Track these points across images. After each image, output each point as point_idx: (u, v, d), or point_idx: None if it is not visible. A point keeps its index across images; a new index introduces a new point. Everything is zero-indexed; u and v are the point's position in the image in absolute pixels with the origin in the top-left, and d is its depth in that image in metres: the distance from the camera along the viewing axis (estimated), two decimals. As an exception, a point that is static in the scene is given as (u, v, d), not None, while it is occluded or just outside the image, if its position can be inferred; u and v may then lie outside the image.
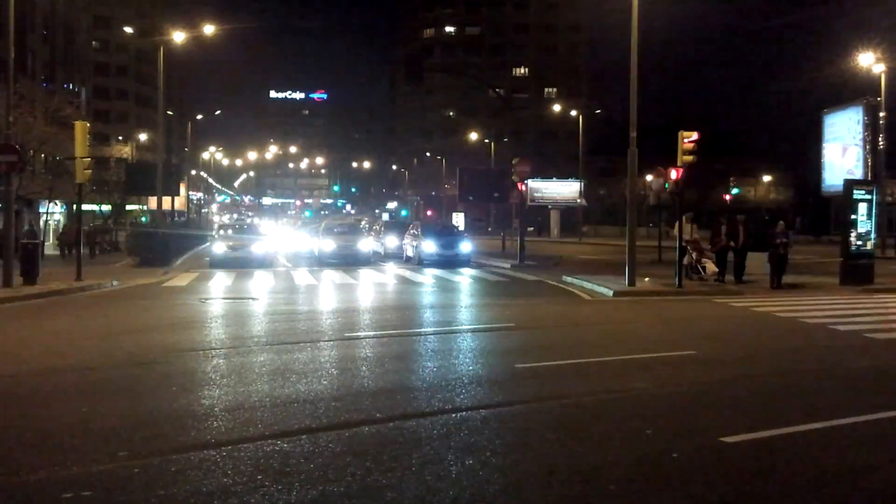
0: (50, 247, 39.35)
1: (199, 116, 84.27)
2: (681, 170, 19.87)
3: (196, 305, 16.72)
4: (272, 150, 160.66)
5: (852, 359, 10.80)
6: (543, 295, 19.65)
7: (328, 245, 32.60)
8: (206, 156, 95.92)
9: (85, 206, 36.22)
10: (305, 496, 5.33)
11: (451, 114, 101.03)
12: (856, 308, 16.81)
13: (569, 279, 22.45)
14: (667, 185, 22.98)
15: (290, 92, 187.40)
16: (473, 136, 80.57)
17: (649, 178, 33.09)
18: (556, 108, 79.13)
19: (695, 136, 19.88)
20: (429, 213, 78.77)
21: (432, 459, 6.12)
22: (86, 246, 32.27)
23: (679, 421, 7.37)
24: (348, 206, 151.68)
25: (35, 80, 42.53)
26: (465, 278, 24.38)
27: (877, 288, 20.46)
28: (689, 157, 19.76)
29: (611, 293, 19.05)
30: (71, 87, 53.13)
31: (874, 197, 21.61)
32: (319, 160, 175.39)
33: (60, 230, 41.65)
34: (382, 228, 39.47)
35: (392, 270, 27.42)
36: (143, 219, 54.99)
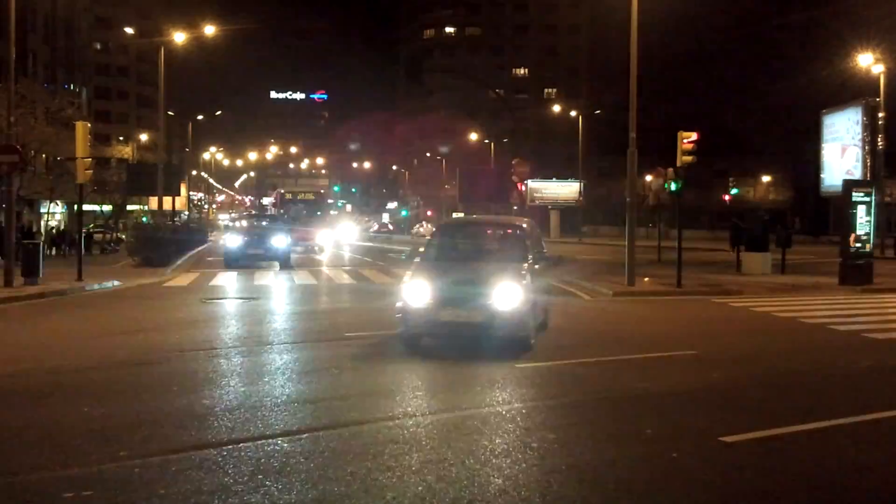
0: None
1: (200, 117, 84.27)
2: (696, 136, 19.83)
3: (197, 305, 16.74)
4: (272, 151, 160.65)
5: (851, 359, 10.81)
6: (543, 295, 19.64)
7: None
8: (206, 156, 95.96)
9: (86, 207, 36.25)
10: (306, 496, 5.35)
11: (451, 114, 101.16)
12: (855, 308, 16.82)
13: (568, 279, 22.45)
14: (666, 185, 23.00)
15: (290, 92, 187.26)
16: (474, 136, 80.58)
17: (649, 178, 33.11)
18: (556, 108, 79.17)
19: (694, 136, 19.91)
20: (429, 213, 78.89)
21: (432, 459, 6.14)
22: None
23: (679, 421, 7.39)
24: (348, 207, 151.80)
25: (36, 80, 42.57)
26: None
27: (876, 288, 20.47)
28: (689, 157, 19.80)
29: (610, 293, 19.06)
30: (72, 87, 53.17)
31: (873, 197, 21.62)
32: (320, 160, 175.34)
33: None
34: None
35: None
36: (144, 219, 55.02)
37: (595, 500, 5.35)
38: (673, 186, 21.15)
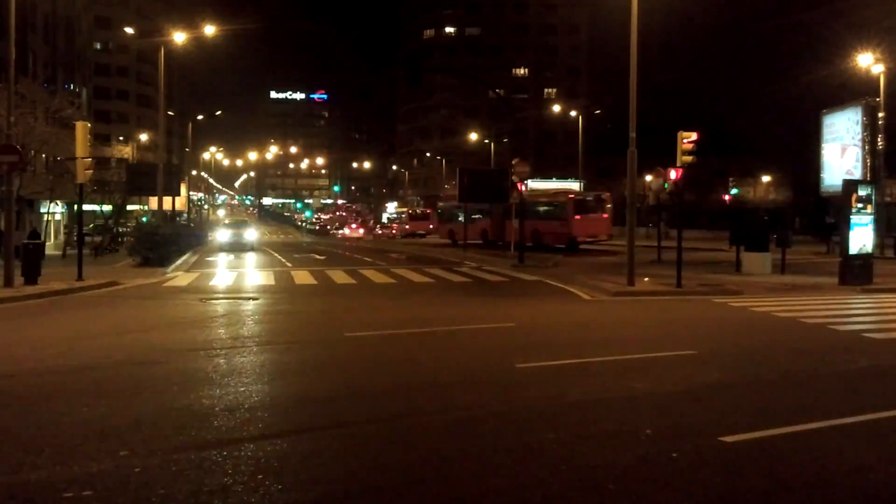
0: (51, 247, 39.34)
1: (200, 117, 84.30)
2: (680, 170, 19.91)
3: (196, 305, 16.74)
4: (272, 151, 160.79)
5: (852, 359, 10.81)
6: (543, 295, 19.66)
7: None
8: (206, 156, 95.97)
9: (86, 207, 36.25)
10: (306, 496, 5.35)
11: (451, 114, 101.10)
12: (855, 308, 16.83)
13: (568, 279, 22.45)
14: (666, 185, 23.00)
15: (290, 92, 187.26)
16: (473, 136, 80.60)
17: (649, 178, 33.12)
18: (556, 108, 79.18)
19: (694, 136, 19.92)
20: (427, 211, 79.01)
21: (432, 459, 6.14)
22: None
23: (679, 421, 7.38)
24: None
25: (36, 80, 42.51)
26: (465, 278, 24.38)
27: (876, 288, 20.46)
28: (689, 158, 19.81)
29: (610, 293, 19.06)
30: (72, 87, 53.13)
31: (873, 197, 21.60)
32: (320, 160, 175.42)
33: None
34: None
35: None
36: (144, 219, 55.04)
37: (595, 499, 5.35)
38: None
